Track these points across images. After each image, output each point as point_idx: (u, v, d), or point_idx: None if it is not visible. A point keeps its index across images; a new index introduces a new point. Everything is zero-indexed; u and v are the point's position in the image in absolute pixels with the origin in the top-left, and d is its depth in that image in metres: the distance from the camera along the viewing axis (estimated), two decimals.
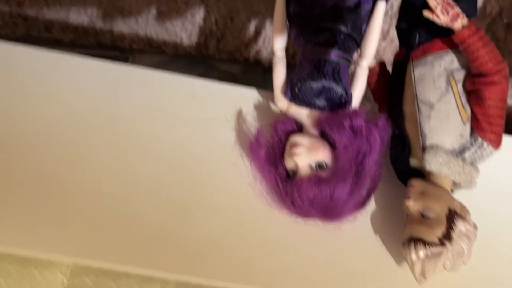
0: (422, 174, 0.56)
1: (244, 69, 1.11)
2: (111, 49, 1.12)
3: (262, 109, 0.65)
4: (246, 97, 0.67)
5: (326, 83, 0.54)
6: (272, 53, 0.93)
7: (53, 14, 1.04)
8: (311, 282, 0.55)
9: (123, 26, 1.05)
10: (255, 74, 1.11)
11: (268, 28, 1.00)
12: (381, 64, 0.63)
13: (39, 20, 1.06)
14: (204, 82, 0.68)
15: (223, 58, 1.09)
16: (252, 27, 1.01)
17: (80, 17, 1.04)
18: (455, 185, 0.55)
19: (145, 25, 1.03)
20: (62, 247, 0.54)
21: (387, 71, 0.63)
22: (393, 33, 0.92)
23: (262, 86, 1.11)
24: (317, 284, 0.55)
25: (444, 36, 0.55)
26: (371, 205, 0.59)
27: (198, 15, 1.00)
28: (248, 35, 1.03)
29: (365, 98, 0.64)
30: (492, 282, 0.56)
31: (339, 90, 0.54)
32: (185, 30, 1.03)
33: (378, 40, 0.56)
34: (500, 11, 0.89)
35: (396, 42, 0.92)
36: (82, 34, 1.08)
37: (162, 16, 1.01)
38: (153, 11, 1.00)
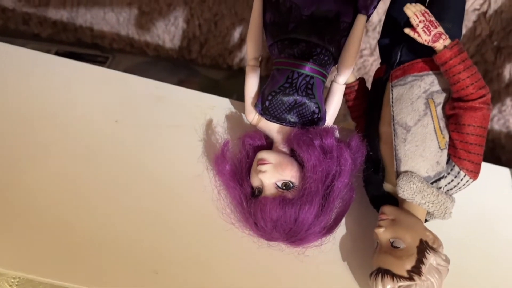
0: (396, 200, 0.53)
1: (227, 75, 1.08)
2: (91, 47, 1.09)
3: (234, 121, 0.61)
4: (219, 107, 0.63)
5: (298, 97, 0.51)
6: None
7: (31, 7, 1.00)
8: None
9: (104, 24, 1.01)
10: (238, 81, 1.08)
11: None
12: (360, 81, 0.59)
13: (17, 13, 1.02)
14: (177, 89, 0.65)
15: (206, 63, 1.06)
16: (236, 34, 0.98)
17: (59, 11, 1.00)
18: (429, 214, 0.52)
19: (126, 24, 1.00)
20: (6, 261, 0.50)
21: (366, 88, 0.60)
22: None
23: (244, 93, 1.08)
24: None
25: (426, 56, 0.52)
26: (341, 229, 0.55)
27: (181, 18, 0.96)
28: (232, 42, 1.00)
29: (348, 115, 0.61)
30: None
31: (311, 106, 0.51)
32: (167, 32, 1.00)
33: (357, 55, 0.53)
34: (490, 33, 0.87)
35: None
36: (61, 29, 1.04)
37: (144, 16, 0.97)
38: (135, 11, 0.96)
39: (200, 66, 1.08)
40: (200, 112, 0.62)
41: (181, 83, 1.08)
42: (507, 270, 0.56)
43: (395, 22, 0.58)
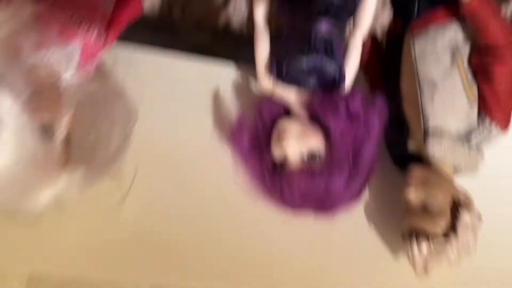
0: (420, 159, 0.51)
1: (212, 39, 1.03)
2: None
3: (243, 88, 0.58)
4: (223, 72, 0.59)
5: (318, 58, 0.47)
6: (245, 22, 0.85)
7: None
8: (302, 277, 0.50)
9: None
10: (225, 44, 1.03)
11: None
12: (373, 38, 0.56)
13: None
14: (173, 55, 0.60)
15: (189, 26, 1.00)
16: None
17: None
18: (455, 170, 0.50)
19: None
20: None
21: (380, 46, 0.57)
22: None
23: (233, 57, 1.03)
24: (310, 278, 0.50)
25: (446, 3, 0.49)
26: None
27: None
28: (217, 2, 0.94)
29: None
30: (494, 272, 0.53)
31: (332, 67, 0.48)
32: None
33: (374, 9, 0.50)
34: None
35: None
36: None
37: None
38: None
39: (183, 30, 1.02)
40: (204, 79, 0.57)
41: (164, 49, 1.02)
42: None
43: None
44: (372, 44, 0.55)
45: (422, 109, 0.48)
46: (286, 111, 0.52)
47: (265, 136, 0.50)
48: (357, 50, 0.51)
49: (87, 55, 0.45)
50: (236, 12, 0.94)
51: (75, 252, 0.48)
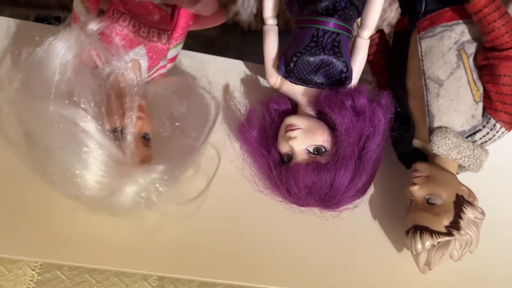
0: (425, 156, 0.52)
1: (221, 31, 1.03)
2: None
3: (251, 85, 0.58)
4: (233, 70, 0.60)
5: (325, 57, 0.48)
6: (254, 16, 0.85)
7: None
8: (307, 273, 0.51)
9: None
10: (233, 37, 1.03)
11: None
12: (380, 33, 0.57)
13: None
14: (186, 52, 0.61)
15: None
16: None
17: None
18: (461, 168, 0.51)
19: None
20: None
21: (387, 41, 0.57)
22: None
23: (241, 50, 1.04)
24: (314, 274, 0.51)
25: (453, 4, 0.49)
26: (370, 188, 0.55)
27: None
28: None
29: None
30: (495, 268, 0.54)
31: (339, 65, 0.49)
32: None
33: (381, 8, 0.50)
34: None
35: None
36: None
37: None
38: None
39: None
40: (214, 76, 0.58)
41: None
42: None
43: None
44: (380, 39, 0.56)
45: (427, 107, 0.49)
46: (293, 107, 0.53)
47: (273, 131, 0.51)
48: (364, 49, 0.52)
49: (154, 55, 0.48)
50: (245, 7, 0.95)
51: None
